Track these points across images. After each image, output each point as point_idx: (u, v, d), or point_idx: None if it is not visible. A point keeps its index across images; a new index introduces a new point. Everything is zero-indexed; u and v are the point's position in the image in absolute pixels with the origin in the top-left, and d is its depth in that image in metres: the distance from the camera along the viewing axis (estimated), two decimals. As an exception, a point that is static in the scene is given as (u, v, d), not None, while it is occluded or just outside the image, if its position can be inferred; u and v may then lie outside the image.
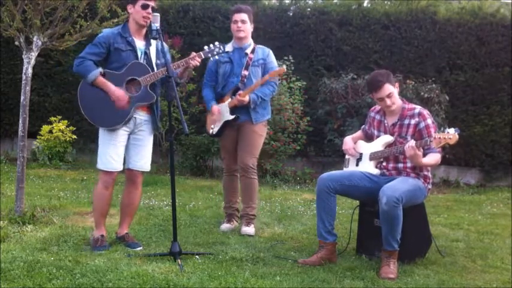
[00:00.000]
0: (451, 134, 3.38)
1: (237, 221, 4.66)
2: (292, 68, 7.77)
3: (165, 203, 5.55)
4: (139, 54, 3.80)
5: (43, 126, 7.93)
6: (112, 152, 3.75)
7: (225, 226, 4.57)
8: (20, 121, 4.44)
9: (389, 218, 3.46)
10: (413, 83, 7.61)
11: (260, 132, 4.51)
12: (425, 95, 7.42)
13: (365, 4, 9.04)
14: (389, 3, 9.26)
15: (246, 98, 4.33)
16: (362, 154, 3.96)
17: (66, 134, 7.93)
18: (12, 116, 8.50)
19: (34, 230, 4.12)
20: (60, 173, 7.39)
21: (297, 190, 7.03)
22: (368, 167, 3.87)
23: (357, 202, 4.11)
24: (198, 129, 7.75)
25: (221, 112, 4.45)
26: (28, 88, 4.46)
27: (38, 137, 7.95)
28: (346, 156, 4.08)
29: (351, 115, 7.74)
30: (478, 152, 8.26)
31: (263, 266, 3.53)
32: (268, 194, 6.52)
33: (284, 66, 4.55)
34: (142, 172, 3.95)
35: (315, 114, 8.09)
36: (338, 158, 7.31)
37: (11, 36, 4.52)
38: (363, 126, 4.15)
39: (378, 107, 3.99)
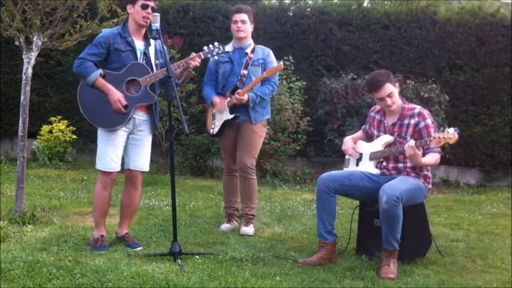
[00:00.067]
0: (451, 134, 3.38)
1: (237, 221, 4.66)
2: (292, 68, 7.77)
3: (165, 203, 5.55)
4: (138, 54, 3.80)
5: (43, 126, 7.93)
6: (111, 152, 3.75)
7: (225, 226, 4.57)
8: (20, 121, 4.44)
9: (390, 217, 3.46)
10: (413, 83, 7.61)
11: (259, 133, 4.51)
12: (425, 95, 7.42)
13: (365, 4, 9.04)
14: (389, 3, 9.26)
15: (245, 97, 4.33)
16: (362, 154, 3.96)
17: (66, 134, 7.93)
18: (12, 116, 8.50)
19: (34, 230, 4.12)
20: (60, 173, 7.39)
21: (297, 190, 7.03)
22: (368, 167, 3.87)
23: (357, 202, 4.11)
24: (198, 129, 7.75)
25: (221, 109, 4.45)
26: (28, 88, 4.46)
27: (38, 137, 7.95)
28: (346, 156, 4.08)
29: (351, 115, 7.74)
30: (478, 152, 8.26)
31: (263, 266, 3.53)
32: (268, 194, 6.52)
33: (281, 62, 4.54)
34: (142, 172, 3.94)
35: (315, 114, 8.09)
36: (338, 158, 7.31)
37: (11, 36, 4.52)
38: (363, 126, 4.15)
39: (377, 107, 3.99)
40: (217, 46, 4.05)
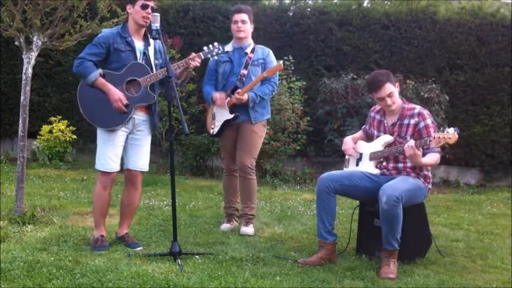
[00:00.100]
0: (451, 134, 3.38)
1: (237, 221, 4.66)
2: (292, 68, 7.77)
3: (165, 203, 5.54)
4: (138, 54, 3.80)
5: (43, 126, 7.93)
6: (110, 152, 3.75)
7: (225, 226, 4.57)
8: (20, 121, 4.44)
9: (390, 217, 3.46)
10: (413, 83, 7.61)
11: (259, 133, 4.51)
12: (425, 95, 7.42)
13: (365, 4, 9.04)
14: (389, 3, 9.26)
15: (245, 97, 4.33)
16: (362, 154, 3.96)
17: (66, 134, 7.93)
18: (12, 116, 8.50)
19: (34, 230, 4.12)
20: (60, 173, 7.39)
21: (297, 190, 7.03)
22: (368, 167, 3.87)
23: (357, 202, 4.11)
24: (198, 129, 7.75)
25: (220, 111, 4.45)
26: (28, 88, 4.46)
27: (38, 137, 7.95)
28: (346, 156, 4.08)
29: (351, 115, 7.74)
30: (478, 152, 8.27)
31: (263, 266, 3.53)
32: (268, 194, 6.52)
33: (281, 62, 4.54)
34: (142, 172, 3.94)
35: (315, 114, 8.09)
36: (338, 158, 7.31)
37: (11, 36, 4.52)
38: (364, 126, 4.15)
39: (377, 107, 3.99)
40: (217, 46, 4.05)
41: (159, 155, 8.08)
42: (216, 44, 4.08)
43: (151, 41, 3.86)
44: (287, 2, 9.06)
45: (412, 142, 3.54)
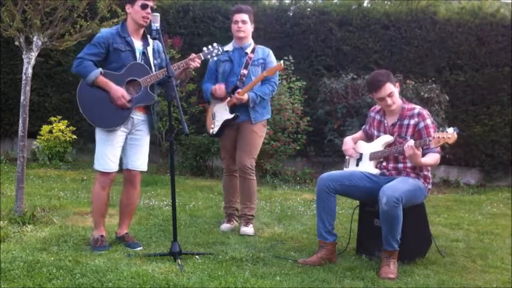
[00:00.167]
0: (450, 134, 3.39)
1: (237, 221, 4.66)
2: (292, 68, 7.77)
3: (165, 203, 5.55)
4: (137, 54, 3.80)
5: (43, 126, 7.93)
6: (109, 152, 3.75)
7: (225, 226, 4.57)
8: (20, 121, 4.44)
9: (389, 218, 3.46)
10: (413, 83, 7.61)
11: (259, 133, 4.51)
12: (425, 95, 7.42)
13: (365, 4, 9.04)
14: (389, 3, 9.26)
15: (245, 97, 4.33)
16: (362, 154, 3.96)
17: (66, 134, 7.93)
18: (12, 116, 8.50)
19: (34, 230, 4.12)
20: (60, 173, 7.39)
21: (297, 190, 7.03)
22: (368, 167, 3.87)
23: (357, 202, 4.11)
24: (198, 129, 7.75)
25: (220, 110, 4.45)
26: (28, 88, 4.46)
27: (38, 137, 7.95)
28: (347, 157, 4.08)
29: (351, 115, 7.74)
30: (478, 152, 8.27)
31: (263, 266, 3.53)
32: (268, 194, 6.52)
33: (281, 62, 4.54)
34: (141, 172, 3.94)
35: (315, 114, 8.09)
36: (338, 158, 7.31)
37: (11, 36, 4.52)
38: (364, 126, 4.15)
39: (377, 107, 3.99)
40: (217, 47, 4.06)
41: (159, 155, 8.08)
42: (215, 44, 4.08)
43: (150, 40, 3.86)
44: (287, 2, 9.06)
45: (411, 142, 3.54)
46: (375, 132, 3.94)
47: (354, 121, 7.51)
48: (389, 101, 3.72)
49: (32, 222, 4.30)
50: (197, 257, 3.61)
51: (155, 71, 3.83)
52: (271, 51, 4.58)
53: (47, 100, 8.77)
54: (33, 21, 4.38)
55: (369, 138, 4.03)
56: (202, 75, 4.75)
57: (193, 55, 3.91)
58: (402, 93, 6.77)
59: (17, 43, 4.52)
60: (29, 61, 4.43)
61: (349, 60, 8.40)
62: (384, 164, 3.85)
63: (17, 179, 4.46)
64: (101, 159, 3.76)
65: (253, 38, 4.58)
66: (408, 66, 8.28)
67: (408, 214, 3.55)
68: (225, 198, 4.74)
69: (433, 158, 3.64)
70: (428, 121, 3.70)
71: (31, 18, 4.41)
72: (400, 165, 3.78)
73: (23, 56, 4.46)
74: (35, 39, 4.44)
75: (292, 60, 7.71)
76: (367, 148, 3.94)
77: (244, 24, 4.44)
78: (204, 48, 4.05)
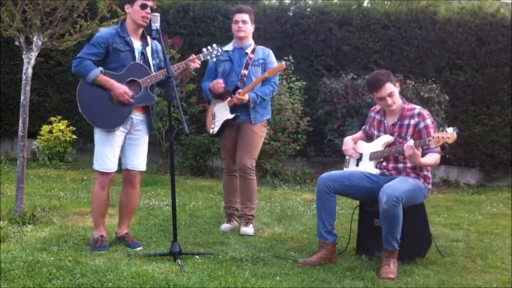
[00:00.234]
0: (450, 133, 3.39)
1: (237, 221, 4.66)
2: (292, 68, 7.77)
3: (165, 203, 5.54)
4: (136, 54, 3.80)
5: (43, 126, 7.93)
6: (109, 153, 3.75)
7: (225, 226, 4.57)
8: (20, 121, 4.44)
9: (390, 217, 3.46)
10: (413, 83, 7.61)
11: (259, 133, 4.51)
12: (425, 95, 7.42)
13: (365, 4, 9.04)
14: (389, 3, 9.26)
15: (246, 97, 4.33)
16: (362, 154, 3.96)
17: (66, 134, 7.93)
18: (12, 116, 8.50)
19: (34, 230, 4.12)
20: (60, 173, 7.39)
21: (297, 190, 7.03)
22: (368, 167, 3.87)
23: (357, 202, 4.11)
24: (198, 129, 7.74)
25: (221, 110, 4.45)
26: (28, 88, 4.46)
27: (38, 137, 7.95)
28: (347, 157, 4.07)
29: (351, 115, 7.74)
30: (478, 152, 8.27)
31: (263, 266, 3.53)
32: (268, 194, 6.52)
33: (283, 63, 4.54)
34: (140, 172, 3.94)
35: (315, 114, 8.09)
36: (338, 158, 7.31)
37: (11, 36, 4.52)
38: (364, 126, 4.15)
39: (378, 107, 3.99)
40: (216, 48, 4.06)
41: (159, 155, 8.08)
42: (214, 45, 4.08)
43: (149, 41, 3.86)
44: (287, 2, 9.06)
45: (411, 142, 3.54)
46: (375, 132, 3.94)
47: (354, 121, 7.51)
48: (389, 100, 3.72)
49: (32, 222, 4.30)
50: (197, 257, 3.61)
51: (154, 71, 3.83)
52: (271, 52, 4.58)
53: (47, 100, 8.77)
54: (33, 21, 4.38)
55: (369, 138, 4.03)
56: (202, 75, 4.76)
57: (193, 56, 3.91)
58: (402, 93, 6.76)
59: (17, 43, 4.52)
60: (29, 61, 4.43)
61: (349, 60, 8.40)
62: (384, 164, 3.85)
63: (17, 179, 4.46)
64: (100, 159, 3.76)
65: (253, 38, 4.59)
66: (408, 66, 8.28)
67: (408, 214, 3.55)
68: (225, 198, 4.74)
69: (433, 158, 3.64)
70: (429, 121, 3.70)
71: (31, 18, 4.41)
72: (400, 165, 3.78)
73: (23, 56, 4.46)
74: (35, 39, 4.44)
75: (292, 60, 7.71)
76: (367, 148, 3.94)
77: (244, 24, 4.44)
78: (204, 49, 4.06)
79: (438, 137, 3.41)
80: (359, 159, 3.97)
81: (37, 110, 8.59)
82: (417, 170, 3.75)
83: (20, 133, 4.45)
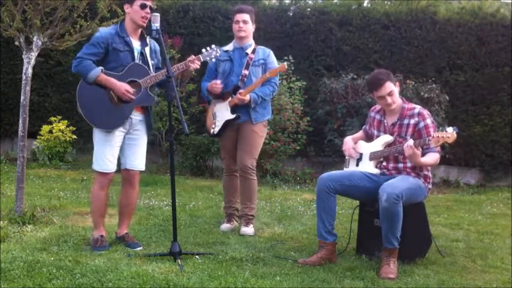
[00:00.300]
0: (449, 133, 3.39)
1: (237, 221, 4.66)
2: (292, 68, 7.77)
3: (165, 203, 5.54)
4: (136, 54, 3.79)
5: (43, 126, 7.93)
6: (108, 153, 3.75)
7: (225, 226, 4.57)
8: (20, 121, 4.44)
9: (390, 214, 3.46)
10: (413, 83, 7.61)
11: (260, 133, 4.51)
12: (425, 95, 7.42)
13: (365, 4, 9.04)
14: (389, 3, 9.26)
15: (247, 97, 4.34)
16: (362, 154, 3.96)
17: (66, 134, 7.93)
18: (12, 116, 8.50)
19: (34, 230, 4.12)
20: (60, 173, 7.39)
21: (297, 190, 7.03)
22: (368, 167, 3.87)
23: (357, 202, 4.11)
24: (198, 129, 7.74)
25: (221, 110, 4.45)
26: (28, 88, 4.46)
27: (38, 137, 7.95)
28: (347, 157, 4.07)
29: (351, 115, 7.74)
30: (478, 152, 8.27)
31: (263, 266, 3.53)
32: (268, 194, 6.52)
33: (285, 63, 4.54)
34: (139, 172, 3.94)
35: (315, 114, 8.09)
36: (338, 158, 7.31)
37: (11, 36, 4.52)
38: (364, 126, 4.15)
39: (378, 107, 3.99)
40: (215, 49, 4.06)
41: (159, 155, 8.08)
42: (213, 46, 4.08)
43: (148, 41, 3.86)
44: (287, 2, 9.06)
45: (411, 142, 3.54)
46: (375, 132, 3.94)
47: (354, 121, 7.51)
48: (389, 100, 3.72)
49: (32, 222, 4.30)
50: (197, 257, 3.61)
51: (152, 71, 3.83)
52: (271, 52, 4.58)
53: (47, 100, 8.78)
54: (33, 21, 4.38)
55: (369, 138, 4.03)
56: (202, 75, 4.76)
57: (192, 57, 3.91)
58: (402, 93, 6.76)
59: (17, 43, 4.52)
60: (29, 61, 4.43)
61: (349, 60, 8.40)
62: (384, 163, 3.85)
63: (17, 179, 4.46)
64: (100, 159, 3.76)
65: (253, 38, 4.58)
66: (408, 66, 8.28)
67: (408, 214, 3.55)
68: (225, 198, 4.73)
69: (432, 157, 3.64)
70: (428, 121, 3.70)
71: (31, 18, 4.41)
72: (400, 165, 3.78)
73: (23, 56, 4.46)
74: (35, 39, 4.44)
75: (292, 60, 7.70)
76: (367, 148, 3.94)
77: (245, 24, 4.44)
78: (203, 50, 4.05)
79: (438, 136, 3.41)
80: (359, 159, 3.97)
81: (37, 110, 8.59)
82: (417, 169, 3.75)
83: (20, 133, 4.45)
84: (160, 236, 4.18)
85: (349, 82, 7.75)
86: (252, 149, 4.47)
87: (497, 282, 3.44)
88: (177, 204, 3.90)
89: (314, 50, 8.50)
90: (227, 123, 4.45)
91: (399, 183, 3.53)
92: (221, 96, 4.46)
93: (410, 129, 3.73)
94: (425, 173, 3.78)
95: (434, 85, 7.59)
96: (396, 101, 3.76)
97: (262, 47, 4.58)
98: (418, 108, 3.78)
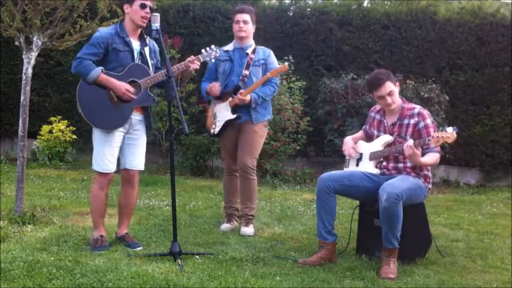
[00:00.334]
0: (449, 133, 3.39)
1: (237, 221, 4.66)
2: (292, 68, 7.77)
3: (165, 203, 5.54)
4: (135, 54, 3.79)
5: (43, 126, 7.93)
6: (108, 153, 3.75)
7: (225, 226, 4.57)
8: (20, 121, 4.44)
9: (390, 214, 3.46)
10: (413, 83, 7.61)
11: (260, 133, 4.51)
12: (425, 95, 7.42)
13: (365, 4, 9.04)
14: (389, 3, 9.26)
15: (247, 97, 4.34)
16: (362, 154, 3.96)
17: (66, 134, 7.93)
18: (12, 116, 8.50)
19: (34, 230, 4.12)
20: (60, 173, 7.39)
21: (297, 190, 7.03)
22: (368, 167, 3.87)
23: (357, 202, 4.11)
24: (198, 129, 7.75)
25: (222, 110, 4.45)
26: (28, 88, 4.46)
27: (38, 137, 7.95)
28: (347, 157, 4.07)
29: (351, 115, 7.74)
30: (478, 152, 8.27)
31: (263, 266, 3.53)
32: (268, 194, 6.52)
33: (286, 64, 4.55)
34: (139, 171, 3.94)
35: (315, 114, 8.09)
36: (338, 158, 7.31)
37: (11, 36, 4.52)
38: (364, 126, 4.15)
39: (377, 107, 3.99)
40: (215, 49, 4.06)
41: (159, 155, 8.08)
42: (213, 46, 4.08)
43: (147, 41, 3.86)
44: (287, 2, 9.06)
45: (411, 142, 3.54)
46: (375, 132, 3.94)
47: (354, 121, 7.51)
48: (389, 99, 3.72)
49: (32, 222, 4.30)
50: (197, 257, 3.61)
51: (152, 71, 3.83)
52: (272, 52, 4.58)
53: (47, 100, 8.78)
54: (33, 21, 4.38)
55: (369, 138, 4.03)
56: (202, 75, 4.76)
57: (192, 57, 3.91)
58: (402, 93, 6.76)
59: (17, 43, 4.52)
60: (29, 61, 4.43)
61: (349, 60, 8.40)
62: (384, 163, 3.85)
63: (17, 179, 4.46)
64: (99, 159, 3.76)
65: (253, 38, 4.58)
66: (408, 66, 8.28)
67: (408, 214, 3.55)
68: (225, 198, 4.73)
69: (432, 157, 3.64)
70: (428, 121, 3.70)
71: (31, 18, 4.41)
72: (400, 165, 3.78)
73: (23, 56, 4.46)
74: (35, 39, 4.44)
75: (292, 60, 7.70)
76: (367, 148, 3.94)
77: (245, 25, 4.44)
78: (203, 50, 4.05)
79: (438, 136, 3.41)
80: (359, 159, 3.97)
81: (37, 110, 8.59)
82: (417, 169, 3.75)
83: (20, 133, 4.45)
84: (160, 236, 4.18)
85: (349, 82, 7.75)
86: (253, 148, 4.47)
87: (497, 282, 3.44)
88: (177, 204, 3.90)
89: (314, 50, 8.50)
90: (228, 123, 4.45)
91: (399, 183, 3.54)
92: (221, 97, 4.46)
93: (410, 129, 3.73)
94: (425, 173, 3.78)
95: (434, 85, 7.59)
96: (396, 101, 3.76)
97: (263, 47, 4.58)
98: (418, 108, 3.78)
